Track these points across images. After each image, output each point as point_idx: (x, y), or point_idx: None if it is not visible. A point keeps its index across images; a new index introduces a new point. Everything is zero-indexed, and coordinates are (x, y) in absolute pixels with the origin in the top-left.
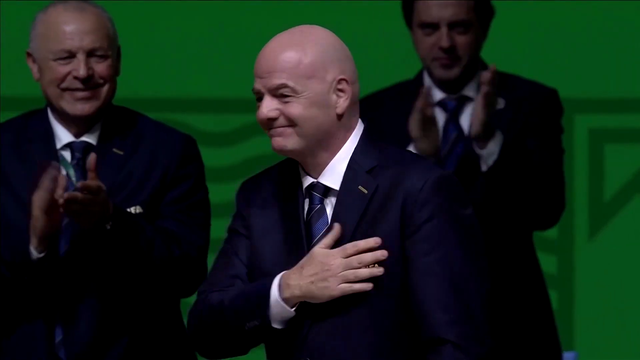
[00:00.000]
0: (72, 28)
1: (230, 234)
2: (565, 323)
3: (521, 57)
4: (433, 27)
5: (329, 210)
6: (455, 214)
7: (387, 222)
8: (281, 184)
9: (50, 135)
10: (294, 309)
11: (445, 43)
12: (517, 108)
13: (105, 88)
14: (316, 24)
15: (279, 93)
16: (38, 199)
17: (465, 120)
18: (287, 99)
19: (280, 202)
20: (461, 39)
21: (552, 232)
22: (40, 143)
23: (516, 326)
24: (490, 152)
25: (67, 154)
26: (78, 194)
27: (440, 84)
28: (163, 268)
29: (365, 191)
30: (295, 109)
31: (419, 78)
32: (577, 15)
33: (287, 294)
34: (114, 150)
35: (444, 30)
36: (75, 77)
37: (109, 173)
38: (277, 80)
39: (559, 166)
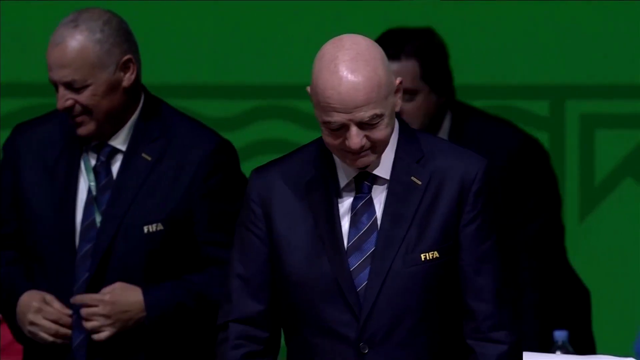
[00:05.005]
0: (51, 60)
1: (240, 229)
2: None
3: (513, 45)
4: None
5: (377, 202)
6: (497, 201)
7: (443, 209)
8: (305, 175)
9: (77, 138)
10: None
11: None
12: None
13: (94, 112)
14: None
15: (366, 122)
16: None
17: None
18: (376, 124)
19: (307, 195)
20: (407, 106)
21: None
22: (70, 143)
23: None
24: None
25: (93, 156)
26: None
27: None
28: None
29: (419, 182)
30: (381, 132)
31: None
32: (569, 3)
33: None
34: (143, 155)
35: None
36: None
37: (136, 181)
38: (368, 113)
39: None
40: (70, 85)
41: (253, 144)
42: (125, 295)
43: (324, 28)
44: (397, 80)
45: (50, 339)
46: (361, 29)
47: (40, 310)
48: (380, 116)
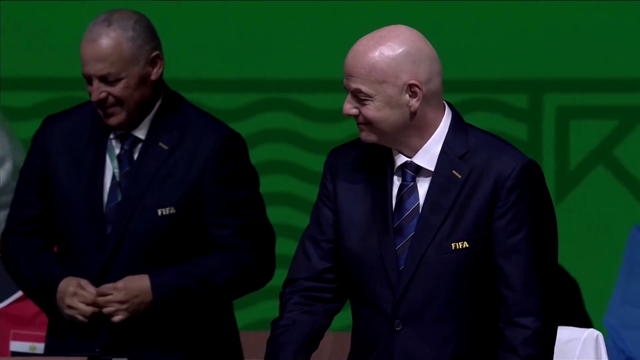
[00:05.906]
0: (86, 56)
1: (317, 200)
2: None
3: (493, 42)
4: None
5: (420, 189)
6: (537, 198)
7: (477, 202)
8: (370, 157)
9: (105, 126)
10: None
11: None
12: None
13: (126, 103)
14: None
15: (356, 95)
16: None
17: None
18: (363, 101)
19: (368, 176)
20: None
21: None
22: (97, 134)
23: None
24: None
25: (117, 145)
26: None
27: None
28: (231, 288)
29: (459, 176)
30: (369, 111)
31: None
32: (547, 2)
33: None
34: (160, 144)
35: None
36: None
37: (153, 167)
38: (353, 85)
39: None
40: (104, 79)
41: (256, 134)
42: (135, 283)
43: (324, 26)
44: (410, 81)
45: (86, 320)
46: (359, 25)
47: (76, 294)
48: (366, 95)
